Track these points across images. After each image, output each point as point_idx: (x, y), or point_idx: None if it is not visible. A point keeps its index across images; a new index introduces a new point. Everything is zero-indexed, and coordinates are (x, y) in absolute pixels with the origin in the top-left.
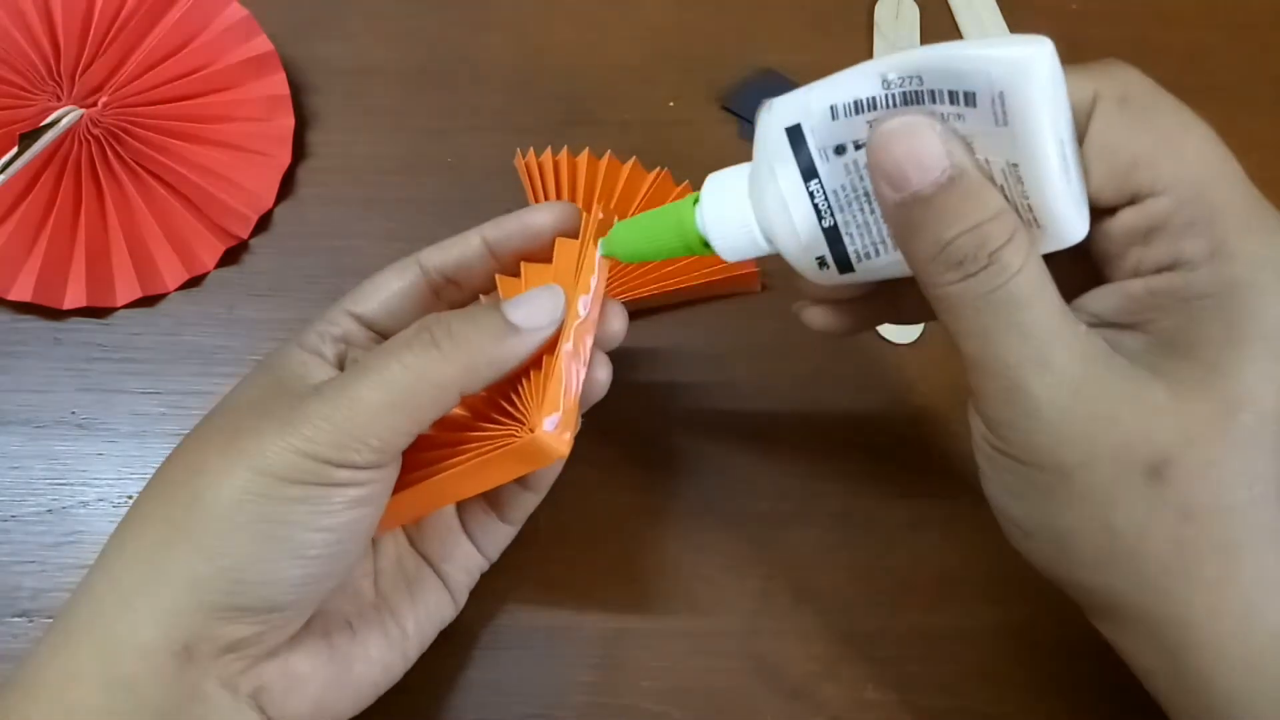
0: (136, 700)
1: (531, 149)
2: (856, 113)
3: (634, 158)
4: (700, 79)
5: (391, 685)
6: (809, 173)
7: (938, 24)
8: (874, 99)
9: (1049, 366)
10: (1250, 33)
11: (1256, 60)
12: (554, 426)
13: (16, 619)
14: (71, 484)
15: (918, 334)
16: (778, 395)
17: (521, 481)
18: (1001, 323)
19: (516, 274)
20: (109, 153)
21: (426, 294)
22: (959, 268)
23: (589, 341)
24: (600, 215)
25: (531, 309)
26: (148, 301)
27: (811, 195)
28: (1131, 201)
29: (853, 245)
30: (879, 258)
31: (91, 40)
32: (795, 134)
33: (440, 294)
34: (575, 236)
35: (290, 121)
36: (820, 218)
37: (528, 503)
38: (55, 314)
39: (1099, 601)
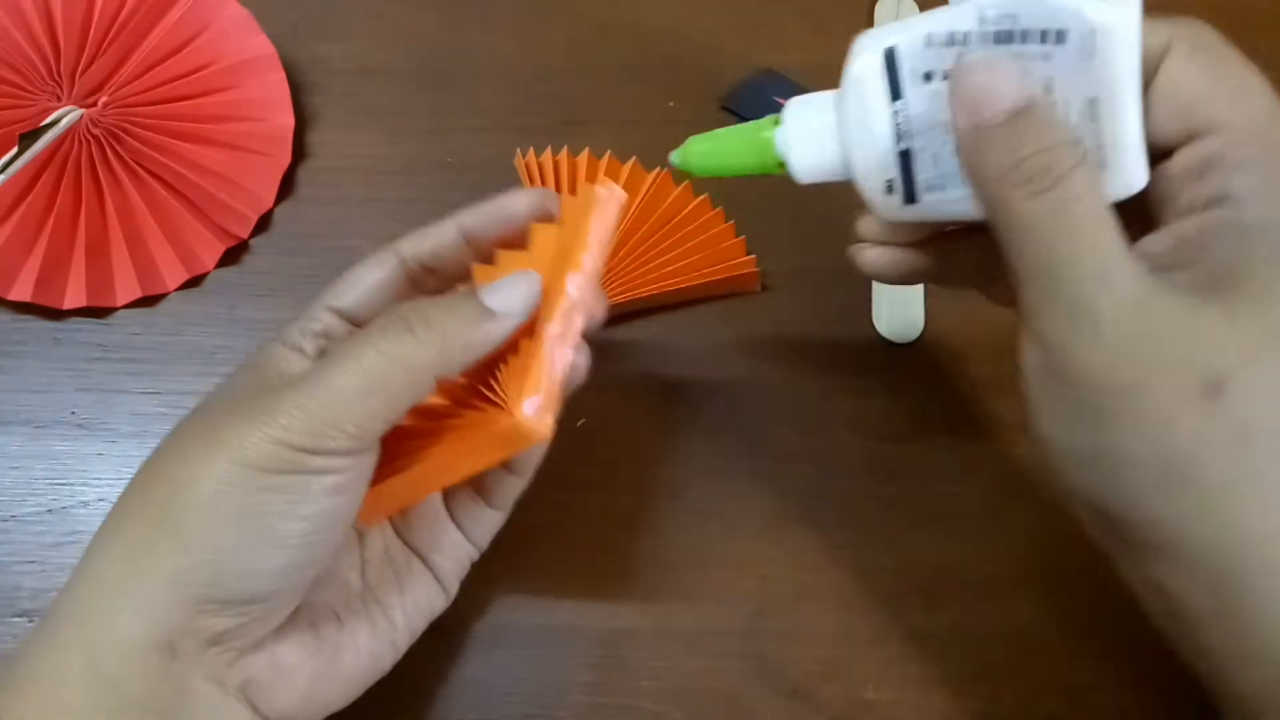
0: (124, 698)
1: (531, 149)
2: (950, 45)
3: (634, 158)
4: (700, 79)
5: (382, 675)
6: (895, 93)
7: None
8: (968, 33)
9: (1111, 284)
10: (1250, 32)
11: (1256, 60)
12: (535, 409)
13: (16, 619)
14: (71, 484)
15: (918, 333)
16: (777, 395)
17: (506, 465)
18: (1066, 238)
19: (493, 262)
20: (109, 153)
21: (404, 285)
22: (1027, 184)
23: (578, 322)
24: (599, 189)
25: (507, 294)
26: (148, 301)
27: (895, 113)
28: (1189, 140)
29: (923, 174)
30: (944, 192)
31: (91, 40)
32: (890, 56)
33: (418, 284)
34: (552, 222)
35: (290, 121)
36: (899, 139)
37: (513, 487)
38: (55, 314)
39: (1151, 536)
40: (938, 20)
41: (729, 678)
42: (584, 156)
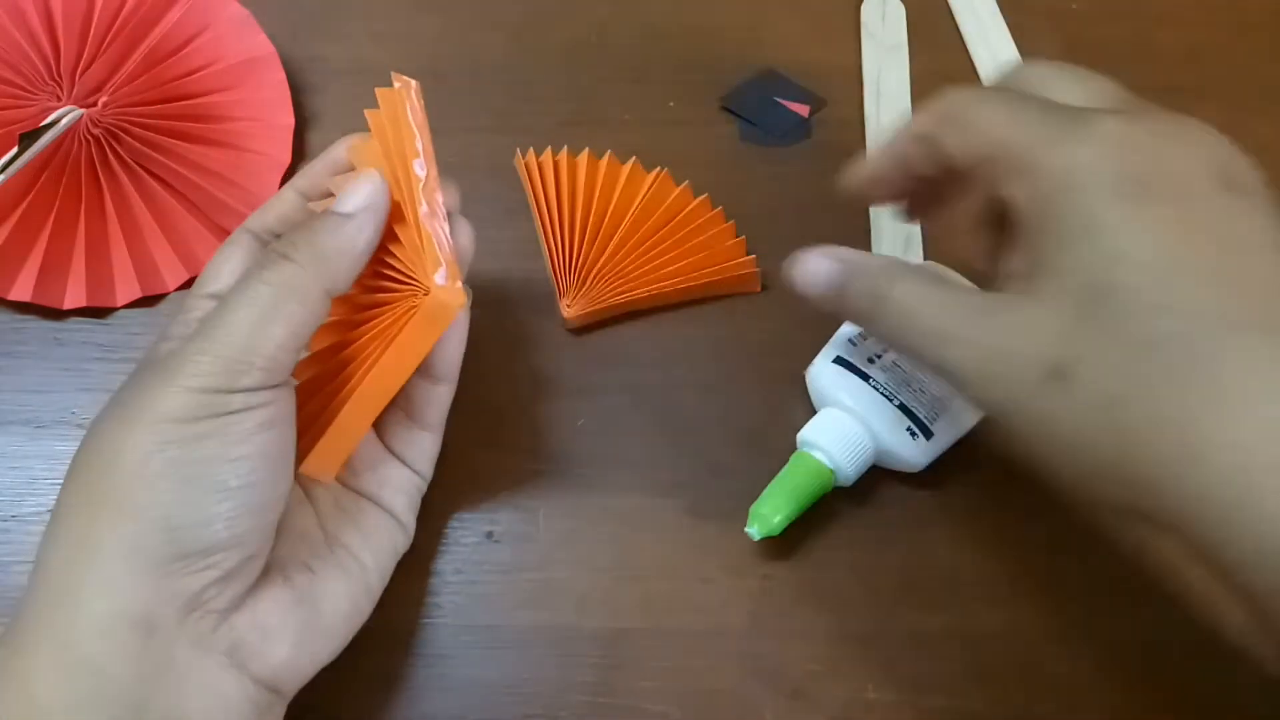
0: (103, 681)
1: (531, 149)
2: (865, 338)
3: (634, 158)
4: (700, 79)
5: (363, 621)
6: (864, 376)
7: (926, 23)
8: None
9: (954, 340)
10: (1250, 33)
11: (1256, 60)
12: (444, 279)
13: None
14: None
15: None
16: (778, 395)
17: (428, 374)
18: (911, 335)
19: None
20: (109, 153)
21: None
22: (873, 320)
23: (440, 199)
24: (393, 85)
25: (353, 194)
26: (148, 301)
27: (874, 387)
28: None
29: (923, 411)
30: (945, 414)
31: (91, 40)
32: (841, 361)
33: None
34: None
35: (290, 121)
36: (890, 399)
37: (441, 398)
38: (55, 314)
39: (1135, 498)
40: (847, 328)
41: (729, 678)
42: (584, 156)
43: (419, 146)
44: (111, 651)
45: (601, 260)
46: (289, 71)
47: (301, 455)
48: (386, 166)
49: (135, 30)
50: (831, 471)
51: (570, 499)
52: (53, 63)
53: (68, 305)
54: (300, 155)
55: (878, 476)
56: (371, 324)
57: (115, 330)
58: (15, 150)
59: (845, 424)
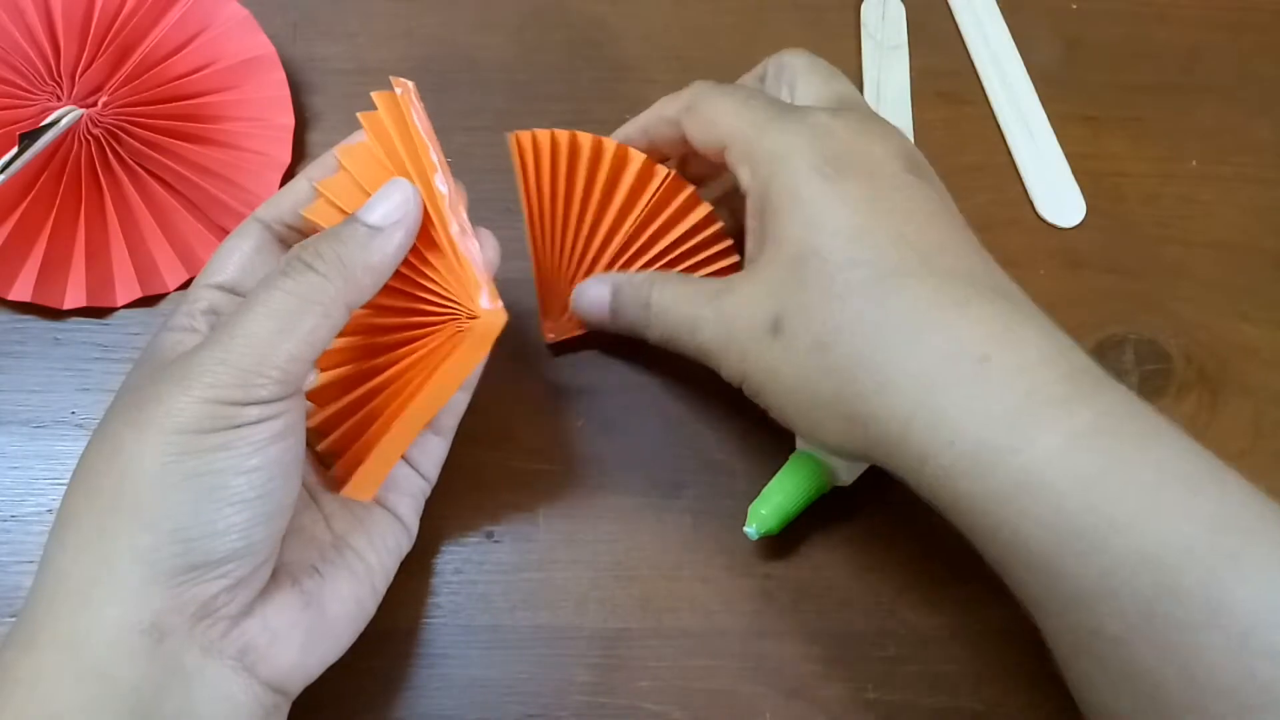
0: (113, 685)
1: (531, 131)
2: None
3: (644, 156)
4: (700, 79)
5: (367, 621)
6: None
7: (926, 23)
8: None
9: (700, 322)
10: (1250, 33)
11: (1256, 60)
12: (488, 302)
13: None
14: None
15: None
16: None
17: None
18: (674, 329)
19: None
20: (109, 153)
21: (277, 247)
22: (646, 326)
23: (463, 213)
24: (394, 90)
25: (385, 207)
26: (148, 301)
27: None
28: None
29: None
30: None
31: (91, 40)
32: None
33: (289, 244)
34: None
35: (290, 121)
36: None
37: (458, 405)
38: (55, 314)
39: (860, 460)
40: None
41: (729, 678)
42: (588, 142)
43: (436, 159)
44: (122, 658)
45: (596, 272)
46: (289, 71)
47: (341, 477)
48: (390, 175)
49: (135, 30)
50: (830, 471)
51: (570, 499)
52: (53, 63)
53: (68, 305)
54: (300, 155)
55: (878, 476)
56: (411, 347)
57: (115, 330)
58: (15, 150)
59: None
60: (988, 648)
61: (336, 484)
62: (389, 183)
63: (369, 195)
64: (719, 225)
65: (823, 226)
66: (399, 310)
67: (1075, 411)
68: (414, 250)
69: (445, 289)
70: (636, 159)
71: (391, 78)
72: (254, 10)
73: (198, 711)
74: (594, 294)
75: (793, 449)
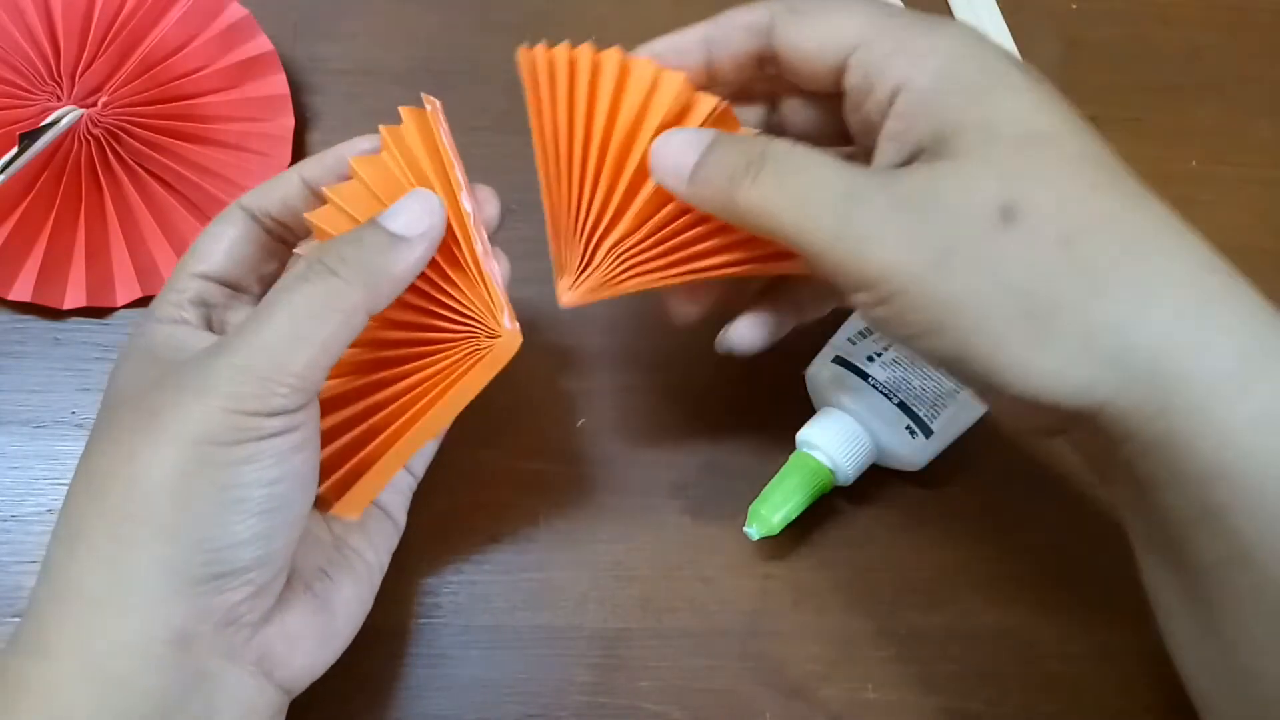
0: (133, 696)
1: (545, 46)
2: (864, 336)
3: (682, 76)
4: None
5: (364, 619)
6: (863, 375)
7: None
8: (866, 327)
9: (862, 194)
10: (1250, 33)
11: (1256, 60)
12: (511, 321)
13: (16, 619)
14: None
15: None
16: (778, 394)
17: None
18: (806, 188)
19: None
20: (109, 153)
21: (263, 238)
22: (748, 175)
23: (485, 233)
24: (433, 104)
25: (409, 217)
26: (148, 301)
27: (874, 387)
28: (843, 72)
29: (921, 410)
30: (945, 411)
31: (91, 40)
32: (840, 361)
33: (274, 235)
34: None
35: (290, 121)
36: (889, 398)
37: None
38: (55, 314)
39: (1075, 400)
40: (846, 328)
41: (729, 678)
42: (614, 56)
43: (462, 179)
44: (146, 667)
45: (622, 225)
46: (289, 71)
47: (328, 496)
48: (409, 188)
49: (135, 30)
50: (831, 471)
51: (570, 499)
52: (53, 63)
53: (68, 305)
54: (300, 155)
55: (877, 475)
56: (423, 363)
57: (115, 330)
58: (15, 150)
59: (844, 424)
60: (988, 648)
61: (323, 503)
62: (413, 193)
63: (384, 206)
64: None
65: (1053, 113)
66: (410, 325)
67: None
68: (432, 264)
69: (466, 306)
70: (673, 81)
71: (423, 94)
72: (254, 10)
73: (218, 718)
74: (682, 141)
75: (793, 449)
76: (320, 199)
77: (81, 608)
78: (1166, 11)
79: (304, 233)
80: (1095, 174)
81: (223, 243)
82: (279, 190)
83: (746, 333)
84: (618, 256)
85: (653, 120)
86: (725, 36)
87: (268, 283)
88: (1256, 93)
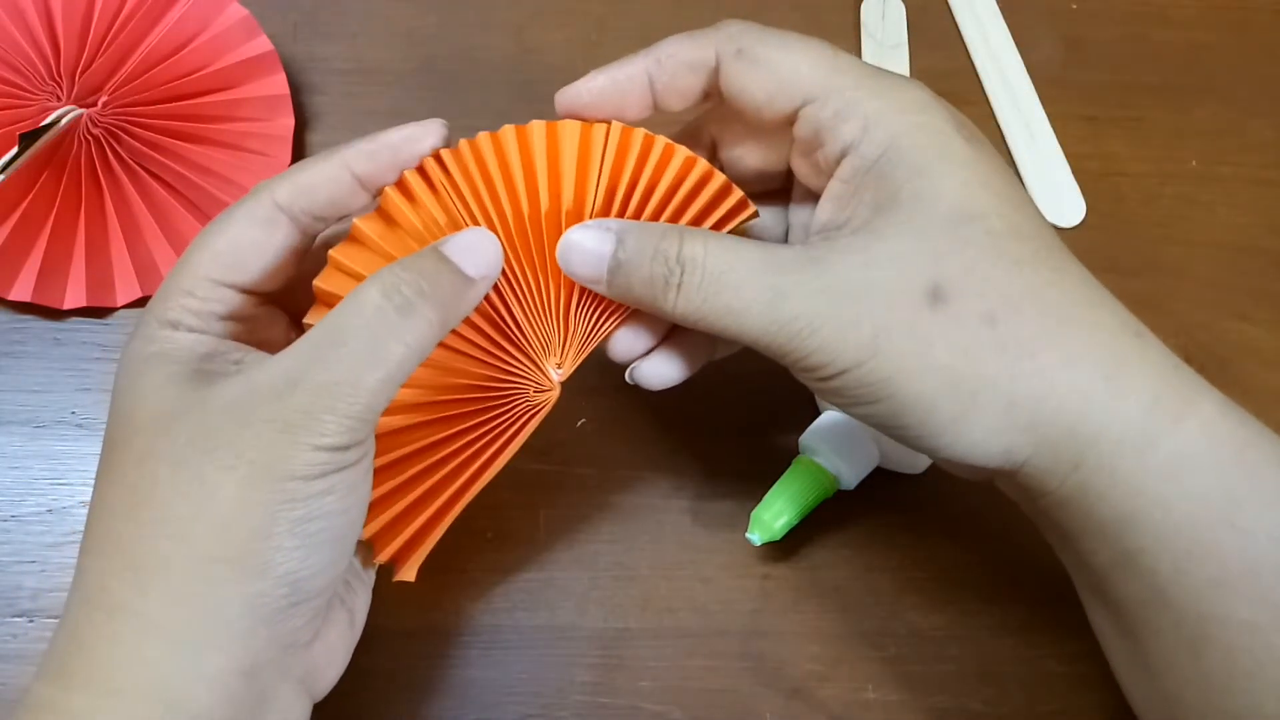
0: None
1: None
2: None
3: (576, 123)
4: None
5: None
6: None
7: (926, 23)
8: None
9: (786, 291)
10: (1250, 33)
11: (1256, 60)
12: (559, 370)
13: (16, 619)
14: (71, 484)
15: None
16: (779, 394)
17: None
18: (731, 296)
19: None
20: (109, 152)
21: (299, 239)
22: (670, 288)
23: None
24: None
25: (478, 257)
26: (147, 301)
27: None
28: (792, 120)
29: None
30: None
31: (91, 40)
32: None
33: (308, 232)
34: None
35: (290, 121)
36: None
37: None
38: (55, 314)
39: (995, 462)
40: None
41: (729, 678)
42: (488, 136)
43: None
44: (219, 700)
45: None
46: (289, 71)
47: (400, 559)
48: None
49: (135, 30)
50: (834, 477)
51: (570, 499)
52: (53, 63)
53: (68, 305)
54: (300, 156)
55: (879, 477)
56: (478, 415)
57: (115, 330)
58: (15, 150)
59: (848, 428)
60: (988, 648)
61: (370, 556)
62: (474, 231)
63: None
64: (710, 169)
65: (985, 189)
66: (468, 358)
67: (1205, 390)
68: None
69: (528, 349)
70: (569, 127)
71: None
72: (254, 10)
73: None
74: (590, 245)
75: (795, 452)
76: (369, 190)
77: (160, 646)
78: (1166, 11)
79: (336, 219)
80: (1020, 250)
81: (254, 249)
82: (327, 192)
83: (660, 368)
84: (588, 314)
85: (567, 174)
86: (670, 75)
87: (293, 284)
88: (1256, 93)
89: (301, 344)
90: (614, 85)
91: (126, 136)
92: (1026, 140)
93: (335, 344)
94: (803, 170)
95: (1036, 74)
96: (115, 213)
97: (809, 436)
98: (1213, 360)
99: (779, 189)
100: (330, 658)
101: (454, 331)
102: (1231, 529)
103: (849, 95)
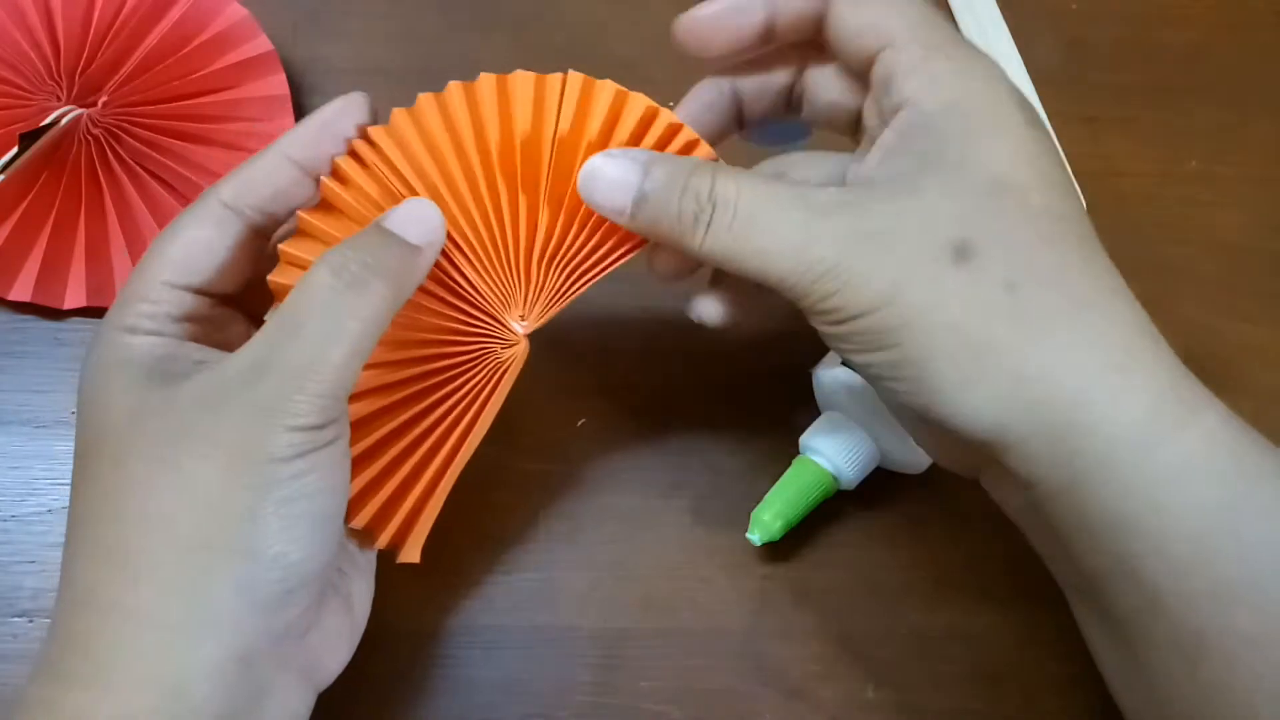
0: (200, 717)
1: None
2: None
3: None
4: (700, 79)
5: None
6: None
7: None
8: None
9: (818, 234)
10: (1250, 33)
11: (1256, 60)
12: (521, 324)
13: (16, 619)
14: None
15: None
16: (779, 394)
17: None
18: (761, 237)
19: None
20: (109, 152)
21: (256, 240)
22: (699, 225)
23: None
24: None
25: (419, 225)
26: None
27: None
28: (873, 64)
29: None
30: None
31: (91, 40)
32: (848, 363)
33: (259, 230)
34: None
35: (290, 122)
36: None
37: None
38: (55, 314)
39: (990, 435)
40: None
41: (729, 678)
42: (430, 97)
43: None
44: (216, 690)
45: (546, 229)
46: (289, 71)
47: (398, 540)
48: (451, 167)
49: (135, 30)
50: (834, 477)
51: (570, 499)
52: (53, 63)
53: (68, 305)
54: None
55: (879, 477)
56: (445, 381)
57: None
58: (15, 150)
59: (848, 429)
60: (988, 648)
61: (366, 537)
62: (413, 202)
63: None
64: (677, 123)
65: (1030, 166)
66: (427, 327)
67: (1213, 401)
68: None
69: (487, 306)
70: (522, 79)
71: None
72: (254, 10)
73: None
74: (615, 174)
75: (795, 452)
76: (310, 176)
77: (153, 636)
78: (1166, 11)
79: (288, 216)
80: (1052, 229)
81: (205, 249)
82: (268, 181)
83: (711, 310)
84: (559, 260)
85: (520, 128)
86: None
87: (249, 284)
88: (1256, 93)
89: (262, 333)
90: (735, 8)
91: (126, 136)
92: None
93: (295, 327)
94: (871, 118)
95: (1036, 74)
96: (115, 213)
97: (809, 436)
98: (1214, 360)
99: (845, 130)
100: (329, 647)
101: (411, 303)
102: (1230, 539)
103: (925, 50)
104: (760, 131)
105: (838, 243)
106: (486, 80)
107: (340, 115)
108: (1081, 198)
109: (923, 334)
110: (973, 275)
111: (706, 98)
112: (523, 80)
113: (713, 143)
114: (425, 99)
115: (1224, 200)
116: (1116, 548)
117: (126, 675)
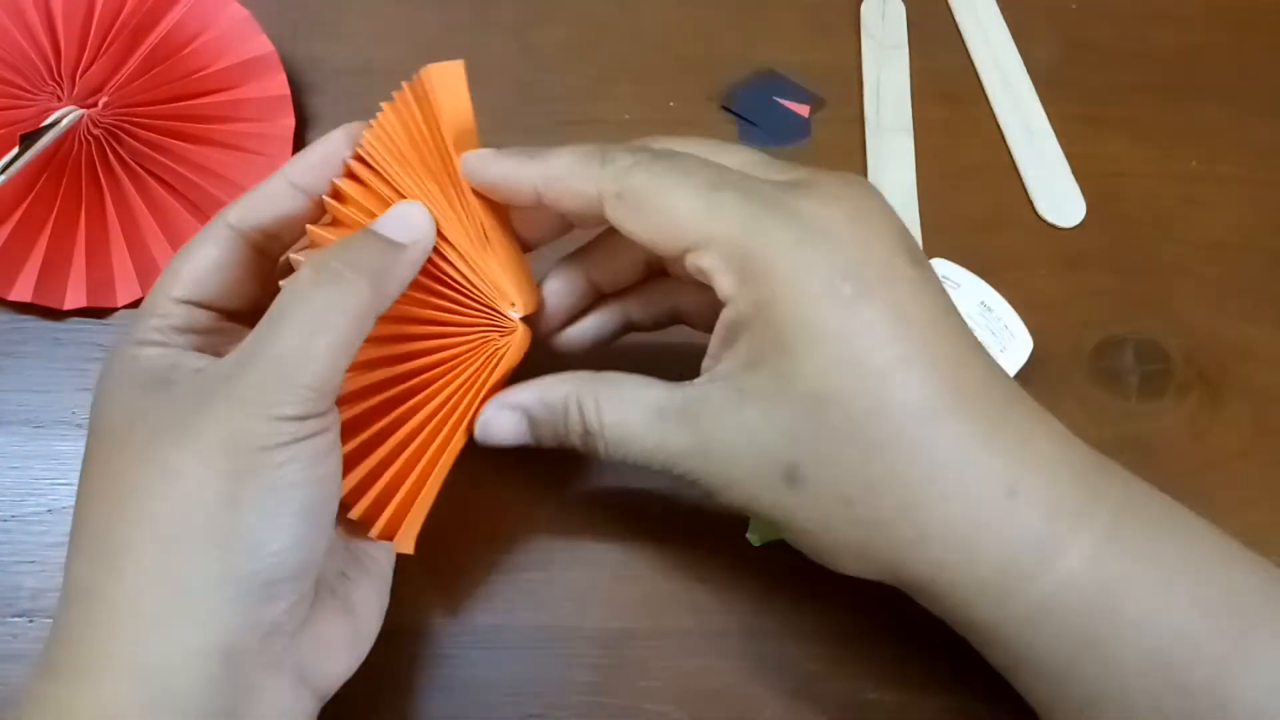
0: (185, 712)
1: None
2: None
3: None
4: (700, 79)
5: (384, 614)
6: None
7: (926, 23)
8: None
9: (667, 443)
10: (1250, 33)
11: (1256, 60)
12: (517, 311)
13: (16, 619)
14: (71, 484)
15: None
16: None
17: None
18: (629, 447)
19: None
20: (109, 153)
21: (255, 258)
22: (584, 447)
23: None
24: (428, 70)
25: (404, 224)
26: None
27: None
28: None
29: None
30: None
31: (92, 40)
32: None
33: (263, 251)
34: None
35: (290, 122)
36: None
37: None
38: (55, 314)
39: (884, 572)
40: None
41: (729, 678)
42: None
43: (455, 151)
44: (197, 683)
45: (479, 216)
46: (289, 71)
47: (391, 528)
48: (428, 173)
49: (136, 30)
50: None
51: (571, 499)
52: (53, 63)
53: (68, 305)
54: None
55: None
56: (442, 371)
57: (115, 330)
58: (15, 150)
59: None
60: None
61: (359, 528)
62: (407, 204)
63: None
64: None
65: (848, 367)
66: (420, 319)
67: (1094, 515)
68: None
69: (479, 294)
70: (451, 69)
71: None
72: (254, 10)
73: None
74: (504, 426)
75: None
76: (317, 204)
77: (133, 626)
78: (1166, 11)
79: (294, 241)
80: (879, 431)
81: (212, 267)
82: (273, 207)
83: (575, 334)
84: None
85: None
86: (556, 196)
87: (258, 302)
88: (1256, 93)
89: (250, 334)
90: (504, 181)
91: (127, 137)
92: (1026, 140)
93: (277, 323)
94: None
95: (1036, 74)
96: (116, 213)
97: None
98: (1213, 360)
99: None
100: (325, 651)
101: (409, 299)
102: (1094, 662)
103: (726, 244)
104: (760, 131)
105: (687, 457)
106: (423, 76)
107: (342, 146)
108: (930, 363)
109: (785, 534)
110: (809, 496)
111: (555, 285)
112: (451, 71)
113: (572, 320)
114: (385, 109)
115: (1224, 200)
116: (999, 660)
117: (108, 665)
